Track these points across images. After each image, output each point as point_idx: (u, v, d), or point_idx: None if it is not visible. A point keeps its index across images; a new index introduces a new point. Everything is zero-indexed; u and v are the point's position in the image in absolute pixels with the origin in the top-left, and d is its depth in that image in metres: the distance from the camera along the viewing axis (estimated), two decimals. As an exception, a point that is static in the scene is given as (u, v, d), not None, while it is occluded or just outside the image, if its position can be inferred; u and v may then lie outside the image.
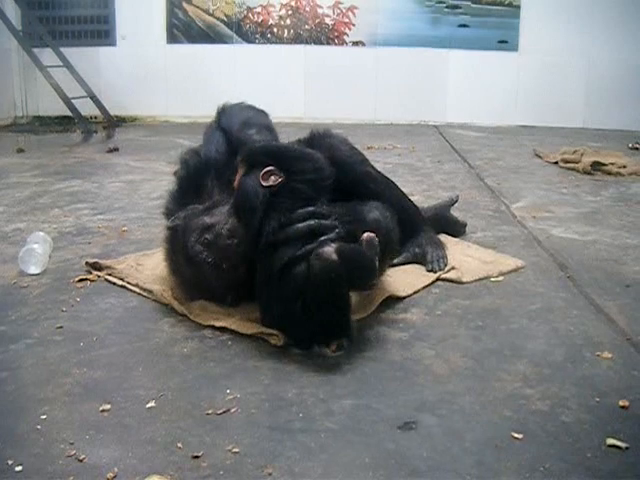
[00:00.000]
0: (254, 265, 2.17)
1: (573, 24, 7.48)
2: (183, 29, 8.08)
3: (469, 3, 7.83)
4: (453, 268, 2.70)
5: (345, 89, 7.73)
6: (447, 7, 7.85)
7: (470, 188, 4.35)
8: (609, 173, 4.85)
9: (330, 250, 1.94)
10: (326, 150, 2.55)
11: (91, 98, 7.50)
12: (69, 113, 7.29)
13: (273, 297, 2.06)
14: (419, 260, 2.77)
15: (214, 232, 2.26)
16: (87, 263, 2.73)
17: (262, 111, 2.85)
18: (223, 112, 2.78)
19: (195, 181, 2.56)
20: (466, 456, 1.52)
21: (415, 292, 2.50)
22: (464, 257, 2.87)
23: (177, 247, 2.35)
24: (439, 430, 1.63)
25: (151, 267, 2.70)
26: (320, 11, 7.99)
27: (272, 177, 2.19)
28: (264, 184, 2.17)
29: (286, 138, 2.72)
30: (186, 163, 2.63)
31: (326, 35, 8.02)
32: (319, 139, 2.63)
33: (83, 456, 1.50)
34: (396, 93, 7.69)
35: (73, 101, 7.20)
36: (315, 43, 8.03)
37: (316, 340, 2.00)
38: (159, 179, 4.63)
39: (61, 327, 2.20)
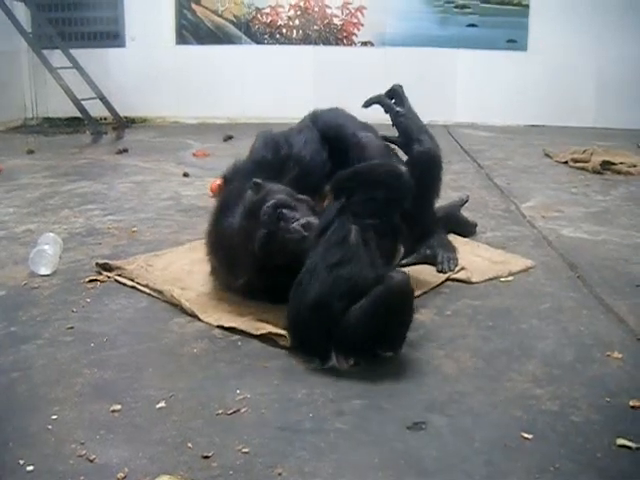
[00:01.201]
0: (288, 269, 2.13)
1: (582, 23, 7.45)
2: (192, 30, 8.10)
3: (478, 2, 7.83)
4: (463, 268, 2.70)
5: (354, 89, 7.69)
6: (456, 7, 7.85)
7: (479, 188, 4.34)
8: (619, 172, 4.84)
9: (402, 277, 1.97)
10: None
11: (101, 99, 7.53)
12: (79, 114, 7.31)
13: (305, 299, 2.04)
14: (429, 261, 2.77)
15: (293, 214, 2.24)
16: (97, 264, 2.73)
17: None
18: (321, 115, 2.72)
19: (277, 170, 2.48)
20: (476, 456, 1.52)
21: (425, 292, 2.50)
22: (474, 257, 2.86)
23: (243, 199, 2.32)
24: (448, 430, 1.63)
25: (161, 268, 2.71)
26: (329, 11, 7.99)
27: None
28: None
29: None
30: (277, 148, 2.54)
31: (335, 35, 8.02)
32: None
33: (94, 456, 1.50)
34: (405, 93, 7.66)
35: (83, 102, 7.23)
36: (324, 43, 8.03)
37: (331, 351, 1.98)
38: (169, 180, 4.65)
39: (72, 328, 2.20)
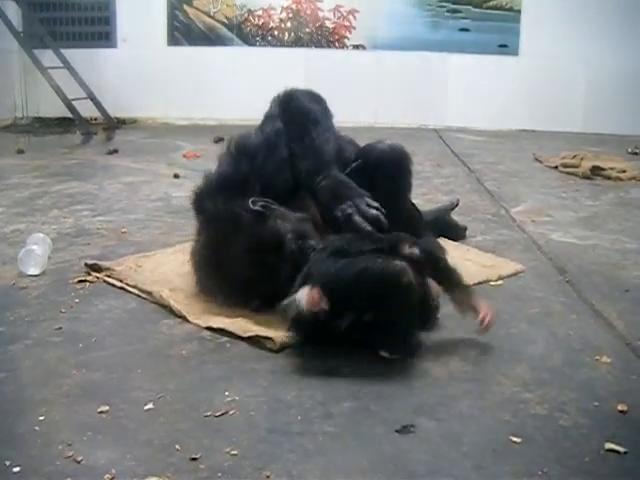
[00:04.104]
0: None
1: (573, 29, 7.48)
2: (184, 31, 8.08)
3: (470, 7, 7.84)
4: (453, 272, 2.70)
5: (345, 92, 7.71)
6: (448, 11, 7.87)
7: (470, 192, 4.35)
8: (608, 178, 4.85)
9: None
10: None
11: (91, 100, 7.50)
12: (69, 114, 7.28)
13: None
14: (419, 264, 2.76)
15: (310, 244, 2.22)
16: (86, 264, 2.72)
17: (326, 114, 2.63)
18: (292, 118, 2.53)
19: (239, 187, 2.38)
20: (464, 460, 1.52)
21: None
22: (464, 261, 2.86)
23: (249, 228, 2.25)
24: (437, 434, 1.62)
25: (150, 269, 2.70)
26: (321, 14, 8.00)
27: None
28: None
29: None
30: (238, 162, 2.44)
31: (327, 38, 8.02)
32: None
33: (81, 457, 1.50)
34: (396, 96, 7.69)
35: (73, 102, 7.20)
36: (316, 46, 8.03)
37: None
38: (159, 181, 4.64)
39: (60, 328, 2.19)
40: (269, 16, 8.03)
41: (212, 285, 2.37)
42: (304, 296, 1.94)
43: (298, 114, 2.53)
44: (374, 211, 2.22)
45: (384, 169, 2.51)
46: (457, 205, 3.40)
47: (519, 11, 7.74)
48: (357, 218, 2.20)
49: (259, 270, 2.22)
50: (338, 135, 2.73)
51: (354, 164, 2.55)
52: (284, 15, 8.02)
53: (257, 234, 2.25)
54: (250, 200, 2.29)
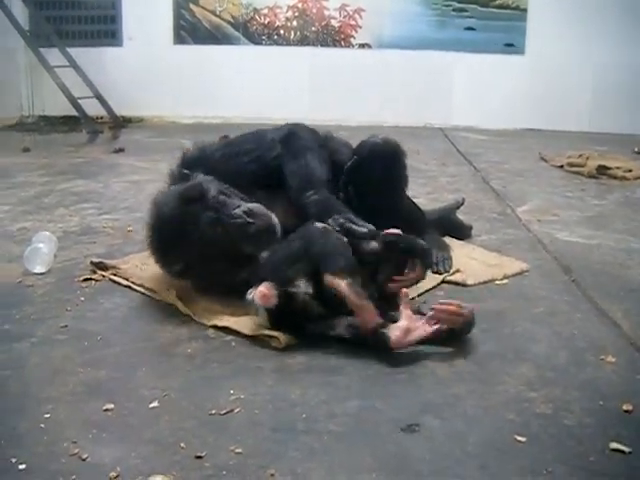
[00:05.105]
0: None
1: (580, 28, 7.47)
2: (190, 30, 8.09)
3: (476, 6, 7.83)
4: (458, 271, 2.70)
5: (351, 91, 7.72)
6: (454, 10, 7.86)
7: (475, 191, 4.35)
8: (614, 177, 4.84)
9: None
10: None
11: (97, 98, 7.51)
12: (75, 113, 7.29)
13: None
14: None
15: (232, 201, 2.34)
16: (92, 263, 2.73)
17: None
18: (291, 145, 2.60)
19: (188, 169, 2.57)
20: (469, 459, 1.52)
21: (419, 295, 2.50)
22: (469, 260, 2.86)
23: (177, 188, 2.42)
24: (442, 433, 1.62)
25: (156, 267, 2.70)
26: (327, 13, 7.99)
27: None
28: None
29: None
30: (187, 154, 2.72)
31: (332, 37, 8.02)
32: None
33: (86, 455, 1.50)
34: (402, 95, 7.68)
35: (79, 101, 7.21)
36: (321, 45, 8.03)
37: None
38: (165, 180, 4.63)
39: (65, 326, 2.20)
40: (275, 15, 8.04)
41: (149, 250, 2.45)
42: (256, 294, 2.05)
43: (296, 139, 2.61)
44: (364, 229, 2.28)
45: (378, 161, 2.55)
46: (462, 204, 3.40)
47: (525, 10, 7.73)
48: (352, 225, 2.27)
49: (178, 223, 2.28)
50: (332, 136, 2.75)
51: (350, 162, 2.57)
52: (290, 14, 8.03)
53: (183, 187, 2.39)
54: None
